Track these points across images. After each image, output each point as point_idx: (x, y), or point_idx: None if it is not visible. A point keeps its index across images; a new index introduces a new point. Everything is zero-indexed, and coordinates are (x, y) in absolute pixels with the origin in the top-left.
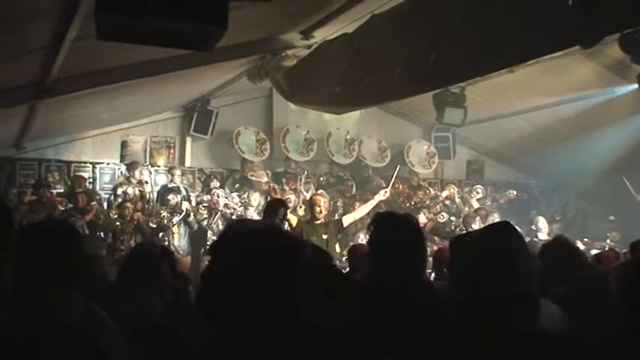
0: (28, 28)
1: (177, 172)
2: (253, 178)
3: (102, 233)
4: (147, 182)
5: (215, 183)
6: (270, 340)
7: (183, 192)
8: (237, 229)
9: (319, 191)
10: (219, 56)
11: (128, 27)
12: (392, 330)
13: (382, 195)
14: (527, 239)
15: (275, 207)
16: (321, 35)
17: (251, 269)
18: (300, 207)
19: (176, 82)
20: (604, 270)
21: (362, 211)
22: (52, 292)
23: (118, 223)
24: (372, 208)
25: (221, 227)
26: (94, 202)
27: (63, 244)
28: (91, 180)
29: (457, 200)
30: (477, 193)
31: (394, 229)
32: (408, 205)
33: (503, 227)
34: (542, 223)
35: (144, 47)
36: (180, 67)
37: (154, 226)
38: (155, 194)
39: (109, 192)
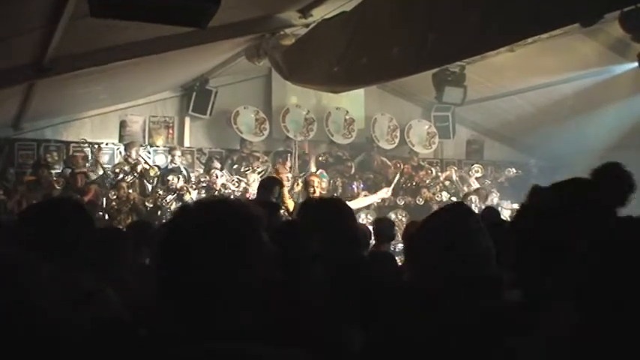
0: (24, 6)
1: (178, 152)
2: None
3: (101, 214)
4: (146, 162)
5: (216, 164)
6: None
7: (184, 172)
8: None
9: (318, 171)
10: (217, 35)
11: (121, 3)
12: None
13: (384, 193)
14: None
15: (270, 185)
16: (319, 14)
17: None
18: (298, 185)
19: (174, 61)
20: None
21: (359, 203)
22: (50, 267)
23: (113, 203)
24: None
25: None
26: (93, 184)
27: (62, 220)
28: (90, 161)
29: (454, 178)
30: (476, 172)
31: (320, 211)
32: (409, 184)
33: (460, 210)
34: None
35: (142, 26)
36: (179, 46)
37: (150, 205)
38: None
39: (108, 172)
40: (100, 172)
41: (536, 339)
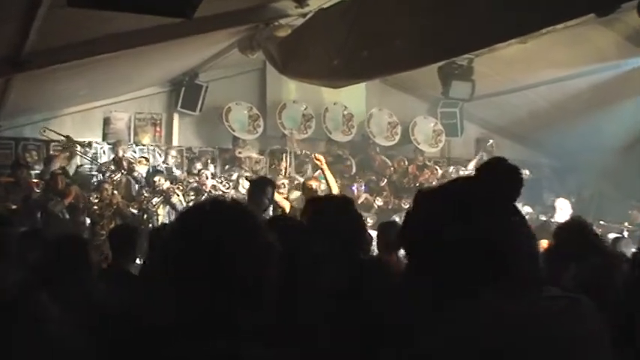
0: None
1: (173, 152)
2: (242, 155)
3: (83, 217)
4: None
5: (198, 165)
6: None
7: (176, 173)
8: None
9: (317, 172)
10: (208, 26)
11: None
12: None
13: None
14: (542, 219)
15: (262, 186)
16: (316, 3)
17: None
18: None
19: (162, 54)
20: (617, 254)
21: (333, 186)
22: None
23: (95, 207)
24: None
25: None
26: (74, 185)
27: None
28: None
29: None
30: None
31: (326, 210)
32: (413, 185)
33: None
34: (561, 204)
35: (126, 16)
36: (167, 37)
37: (135, 211)
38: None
39: (91, 173)
40: (78, 161)
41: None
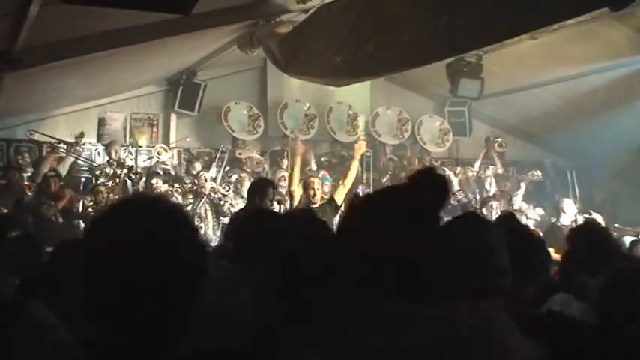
0: None
1: (169, 153)
2: (242, 157)
3: (77, 221)
4: (130, 163)
5: (197, 166)
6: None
7: (173, 173)
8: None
9: (320, 174)
10: (206, 22)
11: None
12: None
13: (359, 148)
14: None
15: (263, 187)
16: None
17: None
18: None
19: (159, 52)
20: (635, 258)
21: (349, 179)
22: None
23: (90, 210)
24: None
25: (207, 213)
26: (68, 188)
27: None
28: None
29: (470, 174)
30: (499, 146)
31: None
32: None
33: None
34: (567, 206)
35: (122, 12)
36: (163, 34)
37: None
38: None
39: (86, 175)
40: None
41: None
